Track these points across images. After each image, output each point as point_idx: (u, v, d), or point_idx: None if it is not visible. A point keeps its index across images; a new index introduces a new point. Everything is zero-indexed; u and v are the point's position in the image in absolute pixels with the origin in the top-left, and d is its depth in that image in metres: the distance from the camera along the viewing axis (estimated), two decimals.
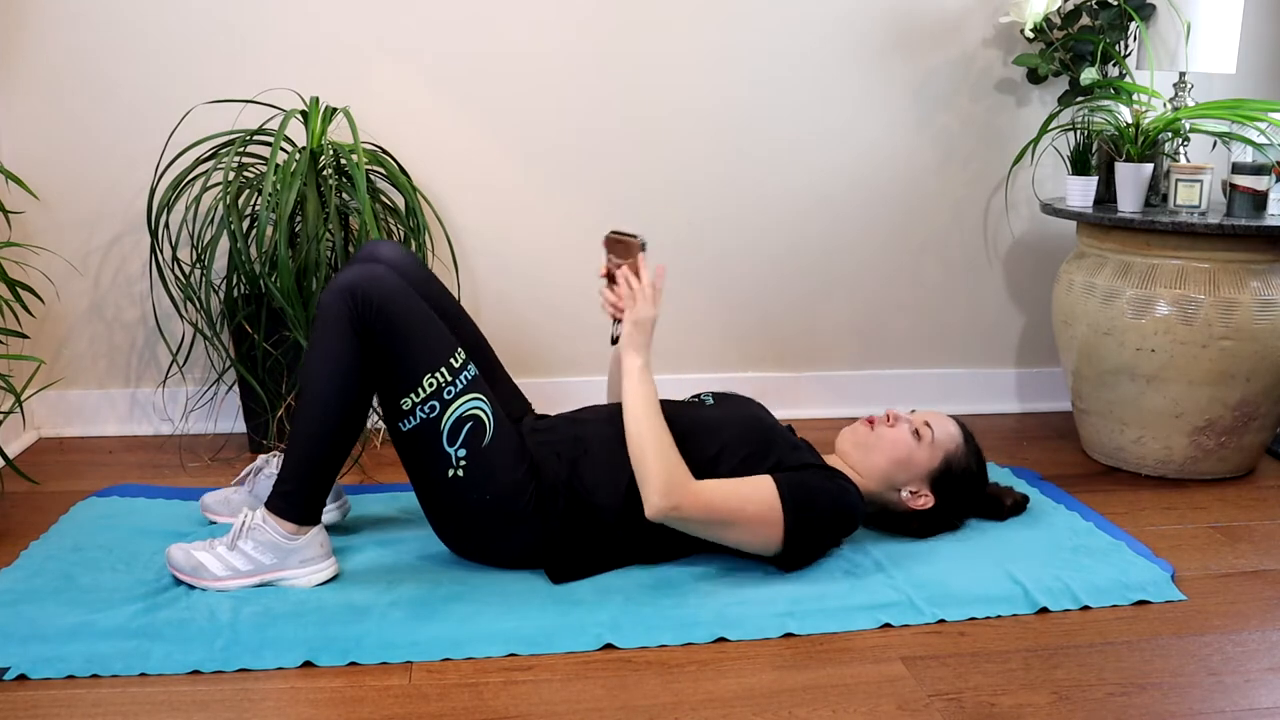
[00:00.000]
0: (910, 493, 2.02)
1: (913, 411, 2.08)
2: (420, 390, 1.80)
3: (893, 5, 2.76)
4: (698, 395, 2.07)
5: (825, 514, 1.88)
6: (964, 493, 2.08)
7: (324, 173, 2.40)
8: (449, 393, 1.81)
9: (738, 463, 1.88)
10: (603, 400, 2.32)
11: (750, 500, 1.82)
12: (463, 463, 1.82)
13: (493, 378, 2.04)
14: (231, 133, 2.45)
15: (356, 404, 1.81)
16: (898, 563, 1.98)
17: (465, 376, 1.83)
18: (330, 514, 2.07)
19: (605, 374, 2.82)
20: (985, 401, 3.03)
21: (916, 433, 2.00)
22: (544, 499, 1.85)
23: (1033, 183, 2.92)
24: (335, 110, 2.44)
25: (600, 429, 1.94)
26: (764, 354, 2.91)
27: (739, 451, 1.89)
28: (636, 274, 1.88)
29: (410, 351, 1.79)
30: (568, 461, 1.88)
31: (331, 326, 1.78)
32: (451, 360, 1.82)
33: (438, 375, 1.80)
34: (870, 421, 2.03)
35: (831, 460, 2.04)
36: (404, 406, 1.81)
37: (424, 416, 1.80)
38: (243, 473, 2.11)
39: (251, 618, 1.72)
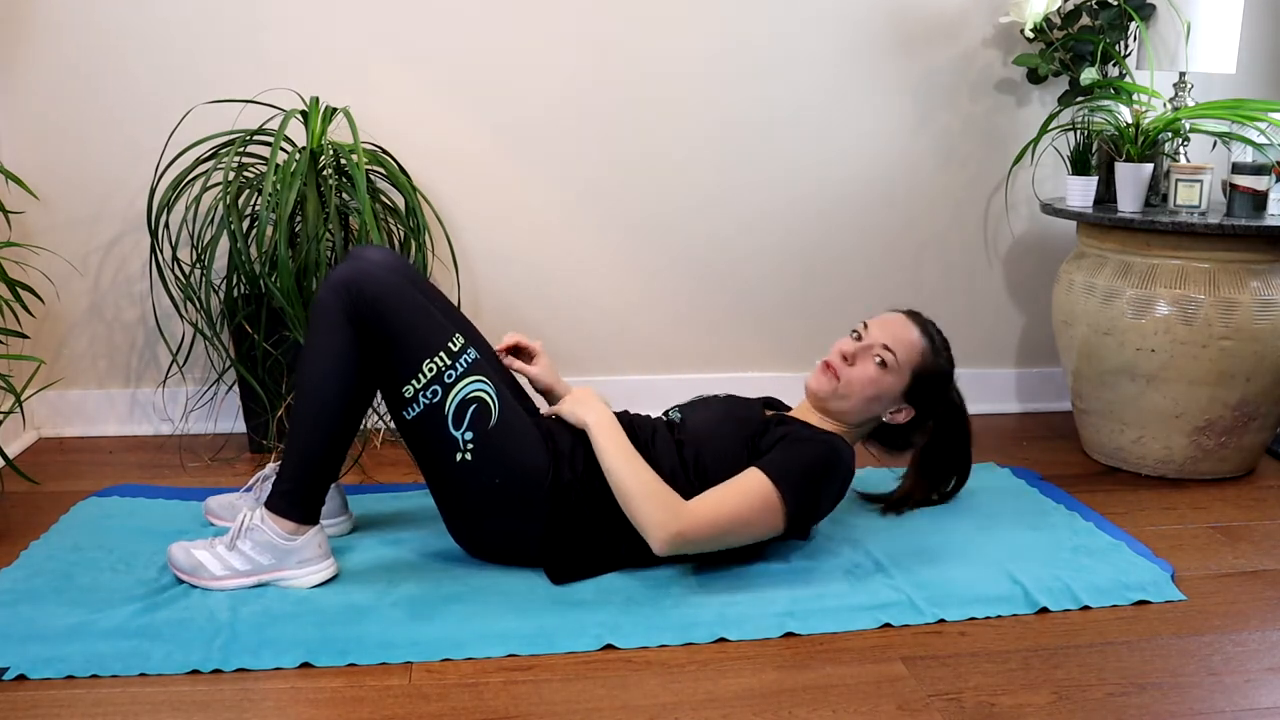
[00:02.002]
0: (891, 414, 2.00)
1: (864, 326, 1.99)
2: (420, 376, 1.80)
3: (893, 5, 2.76)
4: (665, 414, 2.06)
5: (819, 480, 1.88)
6: (940, 390, 2.03)
7: (324, 173, 2.40)
8: (450, 376, 1.81)
9: (725, 445, 1.91)
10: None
11: (747, 497, 1.82)
12: (470, 446, 1.82)
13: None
14: (231, 133, 2.45)
15: (355, 399, 1.81)
16: (898, 563, 1.98)
17: (465, 359, 1.83)
18: (337, 526, 2.07)
19: (606, 374, 2.83)
20: (985, 401, 3.02)
21: (882, 362, 1.95)
22: (558, 490, 1.85)
23: (1033, 183, 2.92)
24: (335, 110, 2.44)
25: None
26: (763, 353, 2.91)
27: (717, 448, 1.91)
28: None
29: (407, 339, 1.80)
30: (582, 460, 1.89)
31: (327, 321, 1.78)
32: (450, 344, 1.83)
33: (437, 360, 1.81)
34: (828, 366, 1.98)
35: (802, 413, 2.02)
36: (406, 394, 1.81)
37: (427, 402, 1.81)
38: (251, 480, 2.10)
39: (251, 618, 1.72)
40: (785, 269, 2.87)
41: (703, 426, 1.96)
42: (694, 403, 2.08)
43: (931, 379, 2.01)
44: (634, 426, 1.96)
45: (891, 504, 2.24)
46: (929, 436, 2.11)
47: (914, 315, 2.04)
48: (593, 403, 1.93)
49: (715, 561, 1.94)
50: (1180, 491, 2.44)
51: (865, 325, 2.01)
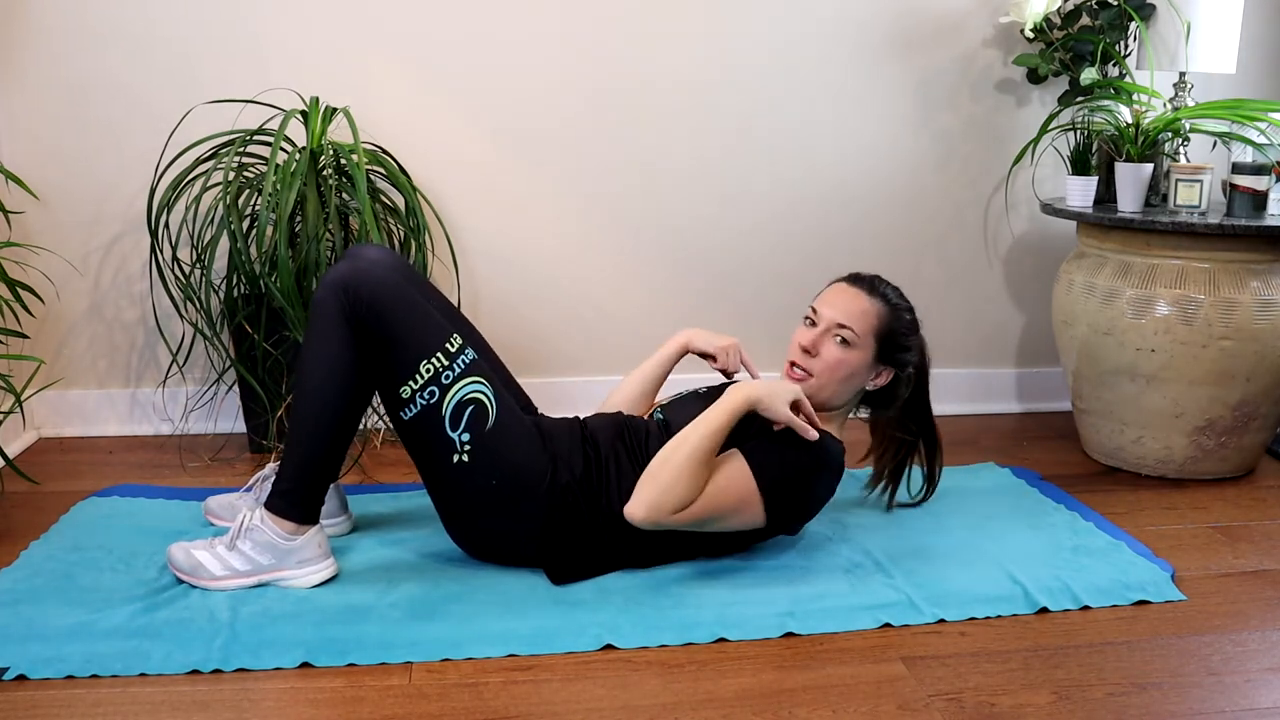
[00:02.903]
0: (872, 381, 2.00)
1: (814, 311, 1.97)
2: (418, 377, 1.80)
3: (893, 5, 2.76)
4: (650, 415, 2.05)
5: (803, 481, 1.86)
6: (909, 339, 2.01)
7: (324, 173, 2.40)
8: (447, 377, 1.81)
9: None
10: (601, 399, 2.32)
11: (727, 489, 1.81)
12: (467, 447, 1.82)
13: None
14: (231, 133, 2.45)
15: (354, 399, 1.81)
16: (898, 563, 1.98)
17: (463, 360, 1.83)
18: (337, 526, 2.07)
19: (606, 374, 2.83)
20: (985, 401, 3.03)
21: (843, 340, 1.93)
22: (555, 492, 1.85)
23: (1033, 183, 2.92)
24: (335, 110, 2.44)
25: (608, 435, 1.94)
26: (763, 353, 2.91)
27: None
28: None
29: (404, 339, 1.79)
30: (580, 462, 1.88)
31: (324, 322, 1.78)
32: (447, 345, 1.82)
33: (434, 360, 1.80)
34: (793, 366, 1.96)
35: None
36: (403, 395, 1.81)
37: (424, 403, 1.80)
38: (251, 480, 2.10)
39: (250, 618, 1.72)
40: (784, 269, 2.87)
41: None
42: (673, 403, 2.06)
43: (896, 335, 1.98)
44: (629, 429, 1.96)
45: (878, 479, 2.24)
46: (914, 384, 2.07)
47: (856, 279, 2.01)
48: (753, 396, 1.83)
49: (715, 561, 1.94)
50: (1180, 491, 2.44)
51: (815, 310, 1.98)
